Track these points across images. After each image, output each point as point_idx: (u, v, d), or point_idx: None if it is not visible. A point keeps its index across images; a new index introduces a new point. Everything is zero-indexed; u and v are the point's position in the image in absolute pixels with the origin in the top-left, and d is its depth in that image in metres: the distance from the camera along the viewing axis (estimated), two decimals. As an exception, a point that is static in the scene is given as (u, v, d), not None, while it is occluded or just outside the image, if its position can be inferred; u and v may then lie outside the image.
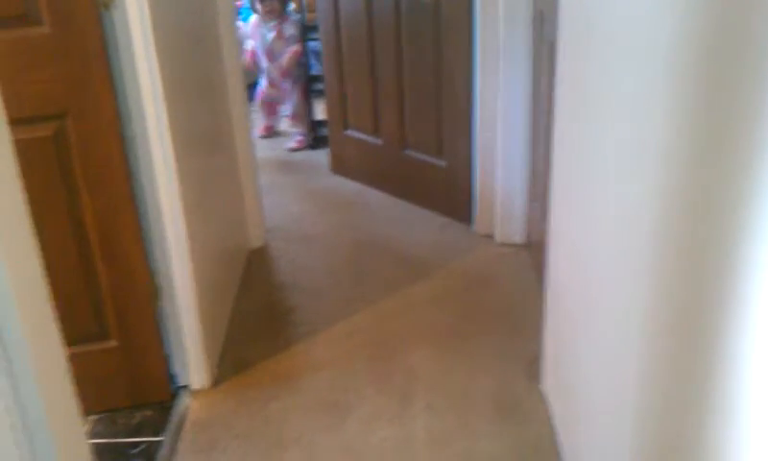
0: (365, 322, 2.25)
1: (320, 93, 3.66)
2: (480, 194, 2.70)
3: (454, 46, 2.62)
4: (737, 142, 0.70)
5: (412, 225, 2.89)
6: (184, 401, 1.90)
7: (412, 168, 3.01)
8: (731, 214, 0.72)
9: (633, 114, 1.06)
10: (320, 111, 3.85)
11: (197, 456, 1.73)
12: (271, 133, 4.07)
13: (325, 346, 2.14)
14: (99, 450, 1.73)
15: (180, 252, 1.79)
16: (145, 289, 1.78)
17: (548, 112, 1.89)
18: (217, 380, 1.99)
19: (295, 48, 3.76)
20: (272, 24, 3.75)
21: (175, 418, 1.84)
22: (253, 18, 3.85)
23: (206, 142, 2.20)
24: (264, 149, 3.81)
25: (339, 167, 3.43)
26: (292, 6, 3.97)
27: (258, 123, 3.97)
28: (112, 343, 1.81)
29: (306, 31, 3.80)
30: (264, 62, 3.84)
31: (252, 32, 3.83)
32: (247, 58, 3.77)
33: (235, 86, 2.54)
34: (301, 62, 3.87)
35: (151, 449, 1.74)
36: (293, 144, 3.88)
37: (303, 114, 3.90)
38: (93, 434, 1.78)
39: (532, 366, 1.94)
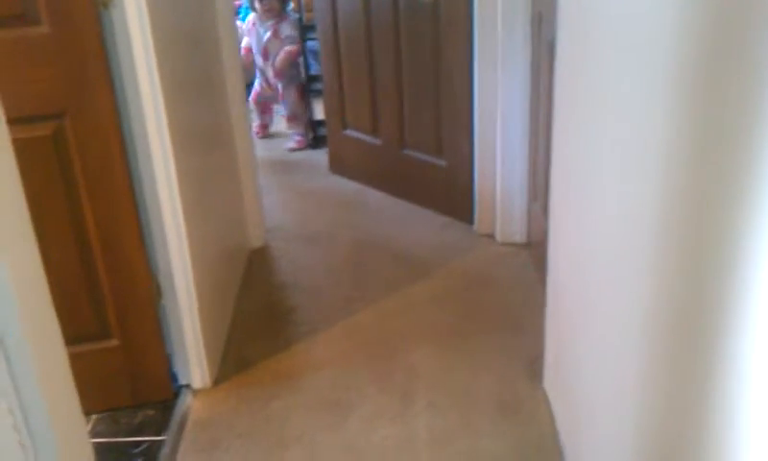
0: (366, 321, 2.25)
1: (319, 93, 3.65)
2: (480, 193, 2.70)
3: (453, 46, 2.62)
4: (738, 141, 0.70)
5: (412, 224, 2.89)
6: (186, 401, 1.90)
7: (411, 168, 3.00)
8: (731, 213, 0.72)
9: (632, 114, 1.06)
10: (319, 111, 3.85)
11: (199, 455, 1.73)
12: (266, 132, 4.07)
13: (326, 345, 2.14)
14: (101, 450, 1.73)
15: (180, 251, 1.79)
16: (146, 288, 1.78)
17: (548, 112, 1.89)
18: (218, 379, 1.99)
19: (289, 48, 3.75)
20: (269, 23, 3.74)
21: (176, 417, 1.84)
22: (251, 16, 3.84)
23: (206, 141, 2.20)
24: (263, 149, 3.81)
25: (338, 167, 3.43)
26: (291, 5, 3.97)
27: (253, 122, 3.97)
28: (114, 342, 1.81)
29: (305, 30, 3.80)
30: (259, 61, 3.84)
31: (249, 30, 3.82)
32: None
33: (234, 86, 2.54)
34: (296, 63, 3.87)
35: (152, 449, 1.74)
36: (292, 144, 3.88)
37: (300, 115, 3.89)
38: (95, 434, 1.78)
39: (534, 365, 1.94)
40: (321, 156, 3.64)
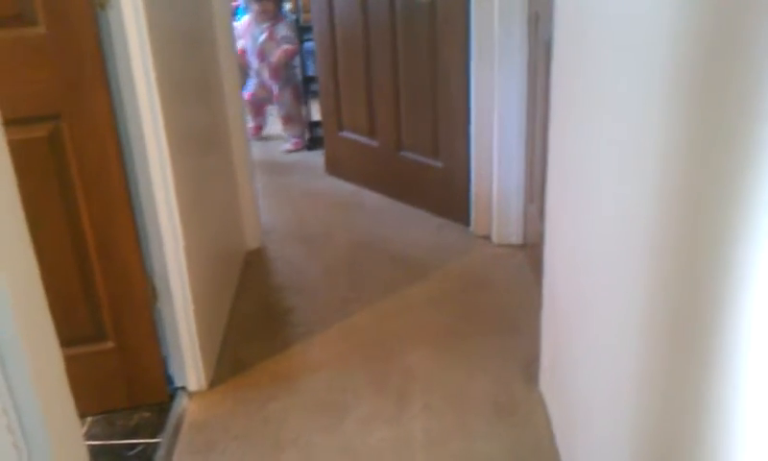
0: (362, 322, 2.24)
1: (317, 94, 3.66)
2: (477, 195, 2.70)
3: (450, 46, 2.62)
4: (734, 142, 0.70)
5: (409, 226, 2.89)
6: (182, 403, 1.89)
7: (408, 169, 3.00)
8: (727, 214, 0.72)
9: (629, 115, 1.06)
10: (317, 112, 3.85)
11: (194, 457, 1.73)
12: (259, 133, 4.07)
13: (323, 346, 2.13)
14: (96, 452, 1.73)
15: (176, 253, 1.79)
16: (142, 290, 1.78)
17: (544, 113, 1.89)
18: (214, 382, 1.98)
19: (286, 47, 3.74)
20: (264, 25, 3.74)
21: (172, 419, 1.83)
22: (246, 18, 3.84)
23: (202, 143, 2.19)
24: (260, 150, 3.81)
25: (334, 169, 3.42)
26: (289, 6, 3.97)
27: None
28: (109, 344, 1.80)
29: (302, 31, 3.80)
30: (254, 63, 3.83)
31: (244, 31, 3.82)
32: None
33: (231, 87, 2.53)
34: (291, 65, 3.86)
35: (148, 451, 1.73)
36: (289, 146, 3.87)
37: (296, 116, 3.89)
38: (90, 436, 1.77)
39: (530, 367, 1.94)
40: (317, 157, 3.64)
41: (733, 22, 0.70)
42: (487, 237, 2.71)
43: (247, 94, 3.92)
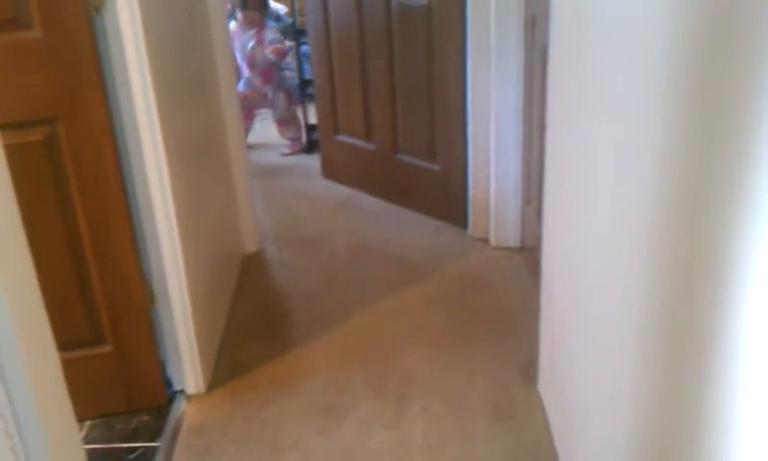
0: (360, 325, 2.24)
1: (314, 97, 3.65)
2: (474, 198, 2.70)
3: (446, 49, 2.62)
4: (731, 142, 0.70)
5: (406, 229, 2.89)
6: (180, 406, 1.89)
7: (405, 172, 3.00)
8: (725, 215, 0.72)
9: (626, 116, 1.06)
10: (313, 115, 3.84)
11: (192, 462, 1.73)
12: (246, 137, 4.05)
13: (321, 349, 2.13)
14: (94, 456, 1.72)
15: (173, 256, 1.79)
16: (139, 294, 1.78)
17: (541, 115, 1.89)
18: (212, 385, 1.98)
19: (277, 45, 3.73)
20: (251, 32, 3.74)
21: (171, 423, 1.83)
22: (233, 25, 3.83)
23: (199, 146, 2.19)
24: (257, 154, 3.81)
25: (330, 172, 3.42)
26: (285, 10, 3.97)
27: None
28: (107, 348, 1.80)
29: (299, 34, 3.80)
30: (245, 70, 3.82)
31: (232, 38, 3.81)
32: None
33: (227, 90, 2.53)
34: (283, 67, 3.85)
35: (147, 455, 1.73)
36: (286, 149, 3.87)
37: (290, 120, 3.88)
38: (89, 440, 1.77)
39: (528, 369, 1.94)
40: (313, 160, 3.64)
41: (729, 22, 0.70)
42: (484, 240, 2.71)
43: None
